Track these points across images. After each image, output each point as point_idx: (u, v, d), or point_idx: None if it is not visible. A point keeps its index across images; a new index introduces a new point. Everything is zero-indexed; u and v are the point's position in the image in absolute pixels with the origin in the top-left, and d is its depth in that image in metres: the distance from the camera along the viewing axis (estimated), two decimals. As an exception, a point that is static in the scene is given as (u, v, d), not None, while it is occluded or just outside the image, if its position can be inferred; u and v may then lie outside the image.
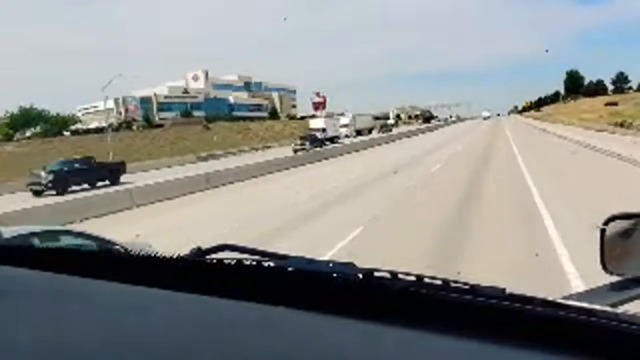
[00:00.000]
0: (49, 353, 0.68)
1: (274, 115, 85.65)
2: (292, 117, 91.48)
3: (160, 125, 65.92)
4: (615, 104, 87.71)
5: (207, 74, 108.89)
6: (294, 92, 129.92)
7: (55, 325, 0.76)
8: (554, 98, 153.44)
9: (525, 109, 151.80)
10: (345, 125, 64.44)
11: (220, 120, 74.44)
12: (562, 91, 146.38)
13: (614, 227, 1.28)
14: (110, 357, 0.66)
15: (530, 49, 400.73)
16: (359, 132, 65.72)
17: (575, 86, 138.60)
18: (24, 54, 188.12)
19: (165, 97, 78.12)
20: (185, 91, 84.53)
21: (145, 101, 74.92)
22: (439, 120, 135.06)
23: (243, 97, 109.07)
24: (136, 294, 0.87)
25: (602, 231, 1.27)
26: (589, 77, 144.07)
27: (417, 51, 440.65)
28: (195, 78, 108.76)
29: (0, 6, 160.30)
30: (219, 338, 0.70)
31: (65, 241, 5.45)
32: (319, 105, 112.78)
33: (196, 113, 75.51)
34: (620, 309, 0.82)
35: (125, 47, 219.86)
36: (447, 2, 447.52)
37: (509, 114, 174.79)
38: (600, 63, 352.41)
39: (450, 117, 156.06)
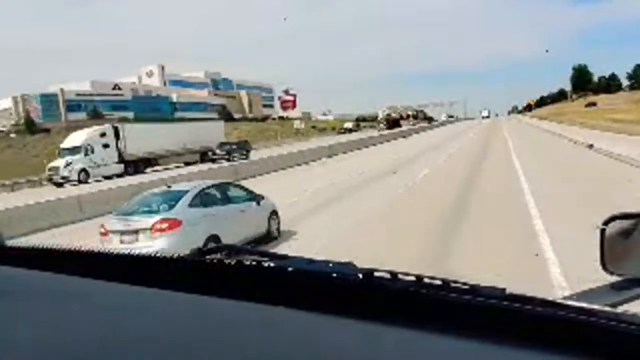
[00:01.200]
0: (49, 353, 0.68)
1: (226, 115, 70.69)
2: (252, 119, 76.53)
3: (47, 130, 51.05)
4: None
5: (162, 70, 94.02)
6: (270, 90, 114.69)
7: (55, 325, 0.76)
8: (558, 97, 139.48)
9: (526, 109, 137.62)
10: (73, 151, 29.96)
11: (150, 121, 59.12)
12: (568, 89, 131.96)
13: (613, 227, 1.25)
14: (110, 357, 0.66)
15: (530, 49, 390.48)
16: (142, 163, 32.71)
17: (583, 82, 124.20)
18: (23, 53, 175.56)
19: (77, 94, 62.67)
20: (117, 87, 69.41)
21: (48, 99, 59.66)
22: (434, 121, 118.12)
23: (203, 95, 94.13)
24: (136, 294, 0.87)
25: (602, 231, 1.24)
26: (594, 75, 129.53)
27: (417, 51, 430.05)
28: (150, 74, 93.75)
29: (0, 6, 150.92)
30: (219, 338, 0.70)
31: (232, 190, 8.62)
32: (288, 105, 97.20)
33: (123, 113, 60.17)
34: (620, 309, 0.80)
35: (125, 47, 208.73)
36: (447, 2, 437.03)
37: (508, 113, 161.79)
38: (601, 62, 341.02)
39: (446, 117, 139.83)
